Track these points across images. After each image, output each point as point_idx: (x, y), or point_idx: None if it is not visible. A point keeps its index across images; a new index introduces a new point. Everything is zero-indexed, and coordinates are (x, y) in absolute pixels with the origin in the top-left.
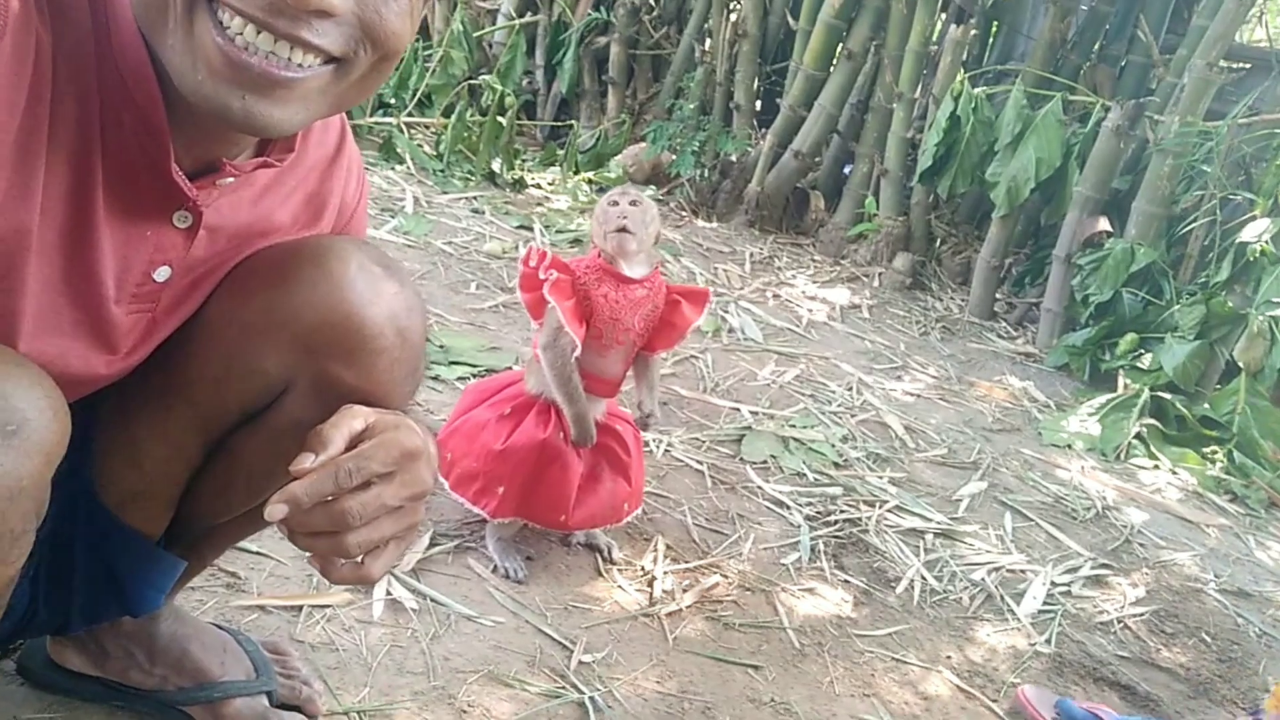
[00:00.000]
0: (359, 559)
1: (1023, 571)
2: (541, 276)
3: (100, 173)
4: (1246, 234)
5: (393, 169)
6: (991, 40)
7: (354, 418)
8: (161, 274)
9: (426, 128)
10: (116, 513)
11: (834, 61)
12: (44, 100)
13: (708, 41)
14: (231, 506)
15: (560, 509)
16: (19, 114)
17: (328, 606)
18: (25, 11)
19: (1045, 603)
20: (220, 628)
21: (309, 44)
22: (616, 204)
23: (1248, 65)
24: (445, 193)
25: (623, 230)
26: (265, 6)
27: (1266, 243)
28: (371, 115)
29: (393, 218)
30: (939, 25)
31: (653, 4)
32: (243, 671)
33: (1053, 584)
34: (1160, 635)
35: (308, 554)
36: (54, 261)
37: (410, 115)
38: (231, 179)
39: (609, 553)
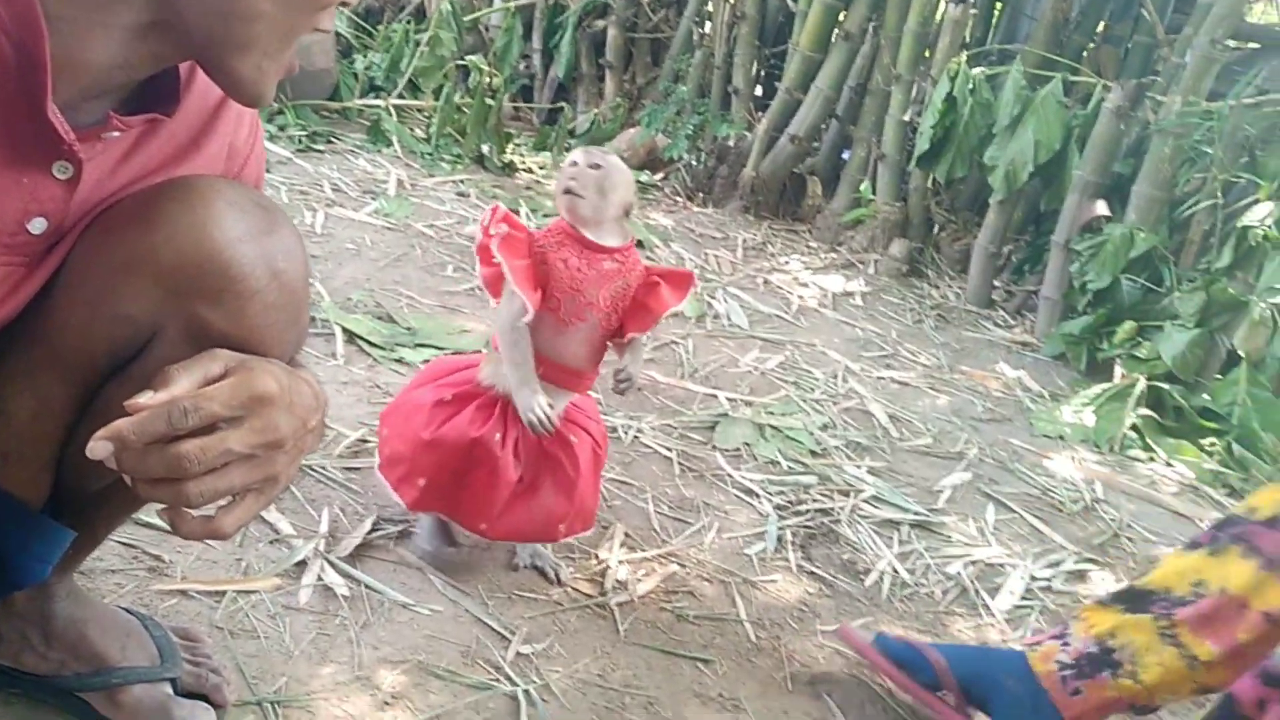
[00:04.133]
0: (211, 512)
1: (1001, 565)
2: (492, 233)
3: None
4: (1249, 218)
5: (380, 152)
6: (995, 21)
7: (212, 360)
8: (37, 225)
9: (418, 111)
10: None
11: (831, 43)
12: None
13: (707, 25)
14: (104, 469)
15: (483, 516)
16: None
17: (253, 593)
18: None
19: (1023, 597)
20: (129, 612)
21: None
22: (576, 163)
23: (1256, 45)
24: (432, 175)
25: (569, 193)
26: None
27: (1270, 227)
28: (361, 98)
29: (374, 200)
30: (940, 6)
31: None
32: (146, 657)
33: (1032, 578)
34: None
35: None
36: None
37: (401, 98)
38: (117, 133)
39: (555, 575)
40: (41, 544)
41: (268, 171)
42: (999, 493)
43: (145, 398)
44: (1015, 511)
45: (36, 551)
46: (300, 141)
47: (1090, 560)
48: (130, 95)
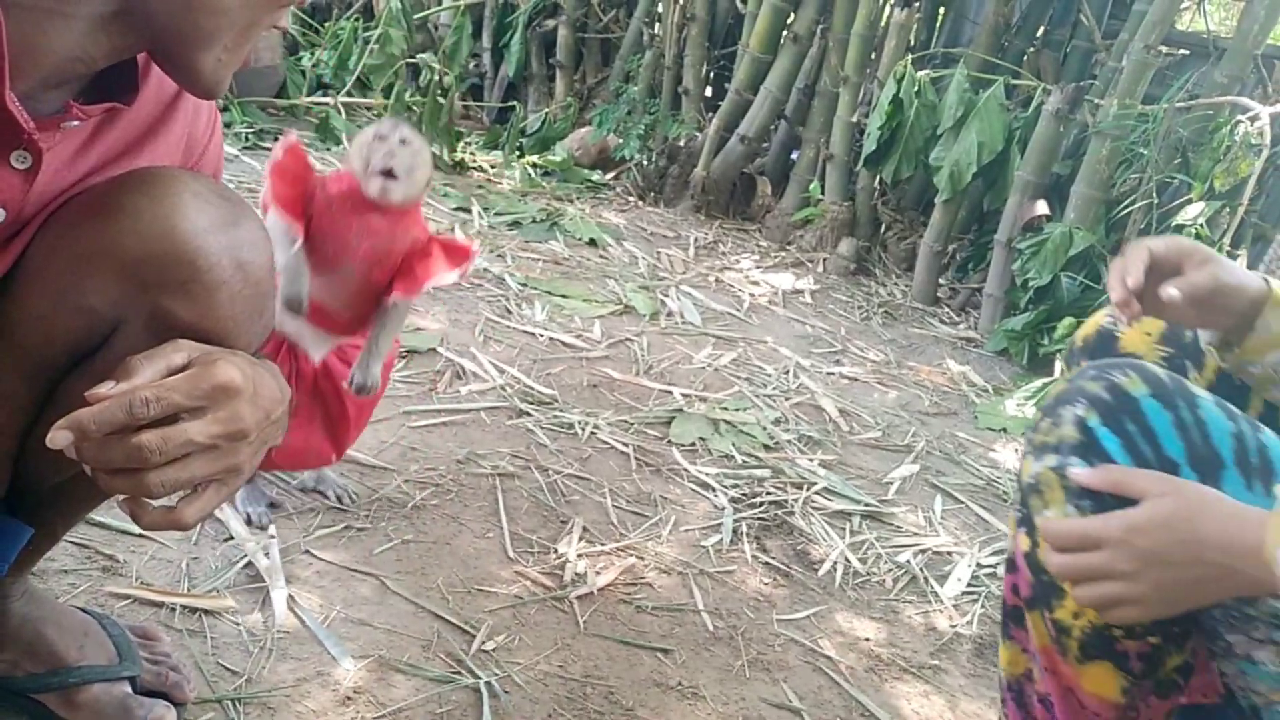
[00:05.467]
0: (172, 503)
1: (949, 554)
2: (276, 157)
3: None
4: (1183, 217)
5: (329, 150)
6: (939, 25)
7: (175, 350)
8: None
9: (367, 109)
10: None
11: (780, 45)
12: None
13: (657, 26)
14: (63, 462)
15: None
16: None
17: (202, 610)
18: None
19: (970, 584)
20: (86, 611)
21: None
22: (384, 138)
23: (1186, 51)
24: None
25: (388, 174)
26: None
27: (1202, 225)
28: (309, 95)
29: None
30: (886, 9)
31: None
32: (104, 656)
33: (979, 565)
34: None
35: (116, 498)
36: None
37: (350, 95)
38: (77, 122)
39: (338, 497)
40: None
41: None
42: (946, 484)
43: (106, 388)
44: (962, 502)
45: None
46: (247, 139)
47: None
48: (89, 85)
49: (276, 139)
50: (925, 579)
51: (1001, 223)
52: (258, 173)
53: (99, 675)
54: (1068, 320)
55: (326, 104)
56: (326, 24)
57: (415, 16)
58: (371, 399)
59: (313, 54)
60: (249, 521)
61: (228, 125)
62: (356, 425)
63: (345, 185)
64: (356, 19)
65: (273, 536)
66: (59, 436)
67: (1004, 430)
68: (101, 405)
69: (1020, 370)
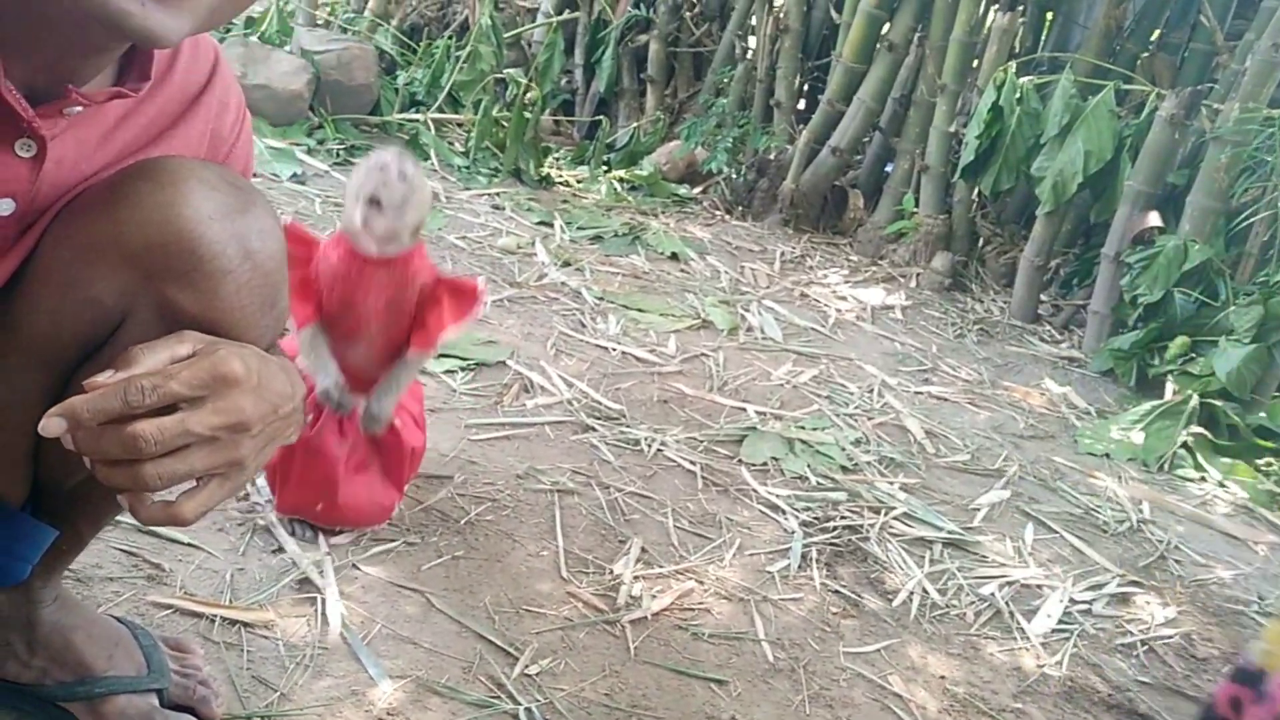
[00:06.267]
0: (172, 497)
1: (1039, 587)
2: None
3: None
4: None
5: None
6: (1046, 31)
7: (180, 341)
8: (4, 206)
9: (457, 125)
10: None
11: (875, 54)
12: None
13: (750, 38)
14: (77, 460)
15: (317, 497)
16: None
17: (252, 608)
18: None
19: (1061, 621)
20: (120, 620)
21: None
22: (385, 168)
23: None
24: (468, 189)
25: (374, 203)
26: None
27: None
28: (401, 113)
29: None
30: (990, 15)
31: (694, 1)
32: (133, 667)
33: (1071, 601)
34: (1190, 661)
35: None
36: None
37: (440, 112)
38: (80, 108)
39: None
40: (21, 542)
41: (304, 184)
42: (1039, 512)
43: (105, 376)
44: (1055, 531)
45: (15, 550)
46: (338, 155)
47: (1135, 583)
48: (107, 76)
49: (368, 154)
50: (1011, 613)
51: (1109, 236)
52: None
53: (125, 687)
54: (1180, 339)
55: (417, 120)
56: (423, 43)
57: (508, 34)
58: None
59: (408, 72)
60: (293, 534)
61: (320, 142)
62: (411, 468)
63: (343, 249)
64: (451, 38)
65: (328, 551)
66: (51, 424)
67: (1107, 456)
68: (97, 393)
69: (1127, 392)
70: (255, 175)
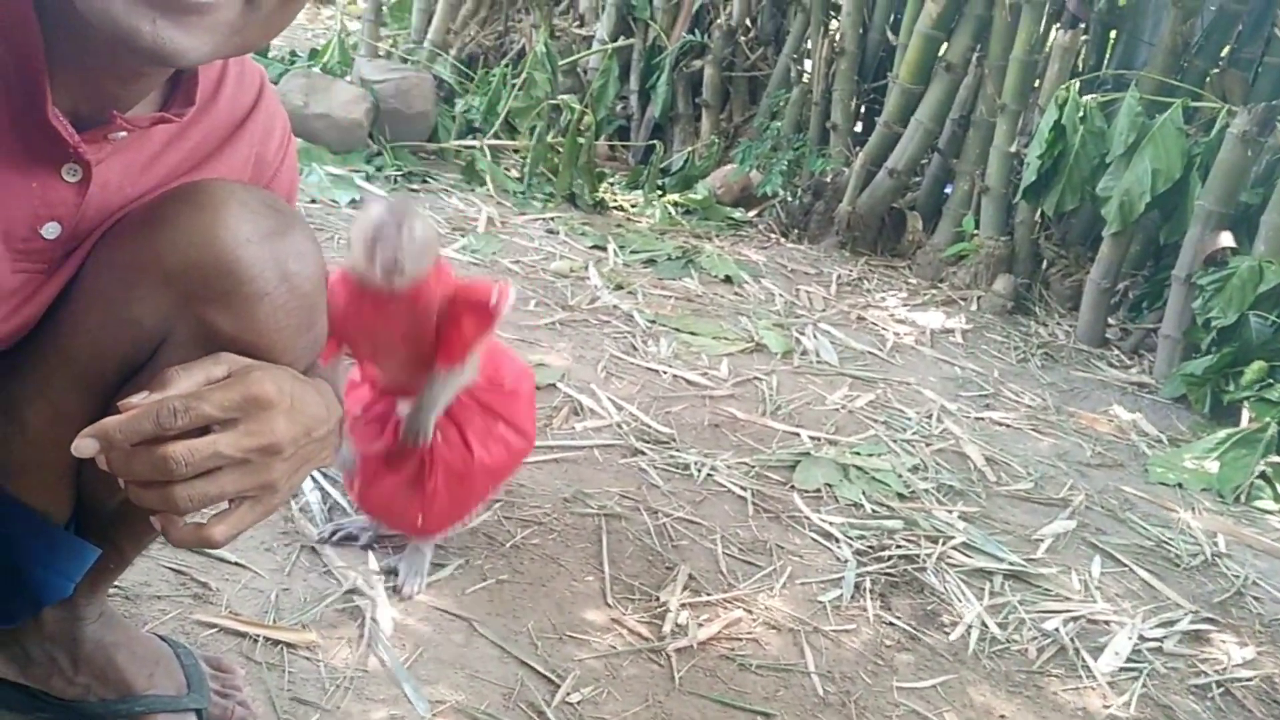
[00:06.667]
0: (203, 519)
1: (1107, 623)
2: None
3: None
4: None
5: (473, 191)
6: (1109, 49)
7: (215, 363)
8: (50, 230)
9: (513, 151)
10: (5, 485)
11: (932, 74)
12: None
13: (806, 61)
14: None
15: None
16: None
17: (284, 643)
18: None
19: (1129, 660)
20: (163, 639)
21: None
22: (384, 227)
23: None
24: (523, 213)
25: (392, 270)
26: None
27: None
28: (458, 139)
29: (462, 237)
30: (1051, 34)
31: (749, 25)
32: (173, 686)
33: (1141, 638)
34: (1272, 705)
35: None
36: None
37: (497, 138)
38: (124, 133)
39: (401, 585)
40: (64, 559)
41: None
42: (1107, 544)
43: (139, 398)
44: (1125, 564)
45: (59, 567)
46: (396, 181)
47: (1209, 620)
48: (152, 101)
49: (425, 180)
50: (1076, 650)
51: (1180, 257)
52: None
53: (165, 706)
54: (1256, 364)
55: (473, 147)
56: (480, 71)
57: (563, 61)
58: (466, 470)
59: (465, 100)
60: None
61: (379, 169)
62: (485, 488)
63: (349, 288)
64: (508, 66)
65: (377, 572)
66: (84, 444)
67: (1179, 486)
68: (130, 414)
69: (1201, 419)
70: (314, 201)
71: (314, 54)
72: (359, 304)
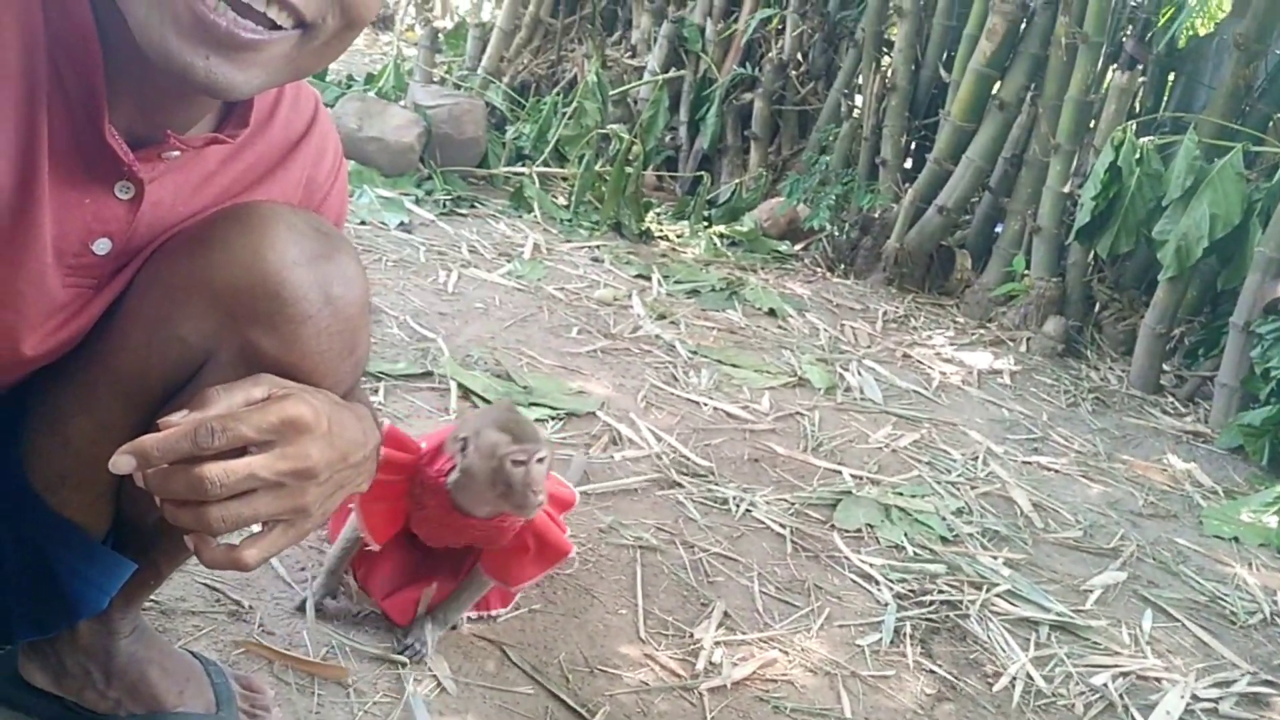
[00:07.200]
0: (235, 541)
1: (1158, 680)
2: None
3: (45, 133)
4: None
5: (520, 217)
6: (1168, 91)
7: (255, 384)
8: (101, 246)
9: (562, 179)
10: (46, 497)
11: (985, 112)
12: None
13: (857, 97)
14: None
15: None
16: None
17: (324, 648)
18: None
19: (1181, 719)
20: (195, 655)
21: (285, 2)
22: (524, 461)
23: None
24: (568, 241)
25: (526, 505)
26: None
27: None
28: (507, 165)
29: (508, 262)
30: (1108, 75)
31: (800, 59)
32: (203, 704)
33: (1194, 698)
34: None
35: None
36: None
37: (546, 166)
38: (178, 153)
39: (418, 649)
40: (100, 573)
41: (410, 233)
42: (1159, 597)
43: (178, 416)
44: (1177, 619)
45: (95, 580)
46: (444, 205)
47: (1268, 683)
48: (208, 122)
49: (473, 205)
50: (1125, 707)
51: (1238, 304)
52: (450, 237)
53: None
54: None
55: (522, 174)
56: (532, 99)
57: (614, 91)
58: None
59: (516, 127)
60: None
61: (428, 193)
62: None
63: (439, 486)
64: (559, 94)
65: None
66: (121, 461)
67: (1236, 540)
68: (167, 433)
69: (1259, 471)
70: (364, 223)
71: (370, 78)
72: (445, 515)
